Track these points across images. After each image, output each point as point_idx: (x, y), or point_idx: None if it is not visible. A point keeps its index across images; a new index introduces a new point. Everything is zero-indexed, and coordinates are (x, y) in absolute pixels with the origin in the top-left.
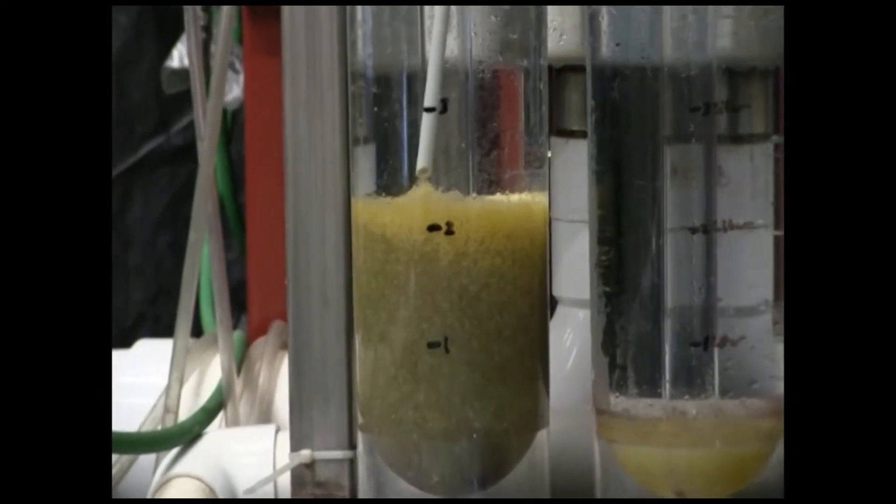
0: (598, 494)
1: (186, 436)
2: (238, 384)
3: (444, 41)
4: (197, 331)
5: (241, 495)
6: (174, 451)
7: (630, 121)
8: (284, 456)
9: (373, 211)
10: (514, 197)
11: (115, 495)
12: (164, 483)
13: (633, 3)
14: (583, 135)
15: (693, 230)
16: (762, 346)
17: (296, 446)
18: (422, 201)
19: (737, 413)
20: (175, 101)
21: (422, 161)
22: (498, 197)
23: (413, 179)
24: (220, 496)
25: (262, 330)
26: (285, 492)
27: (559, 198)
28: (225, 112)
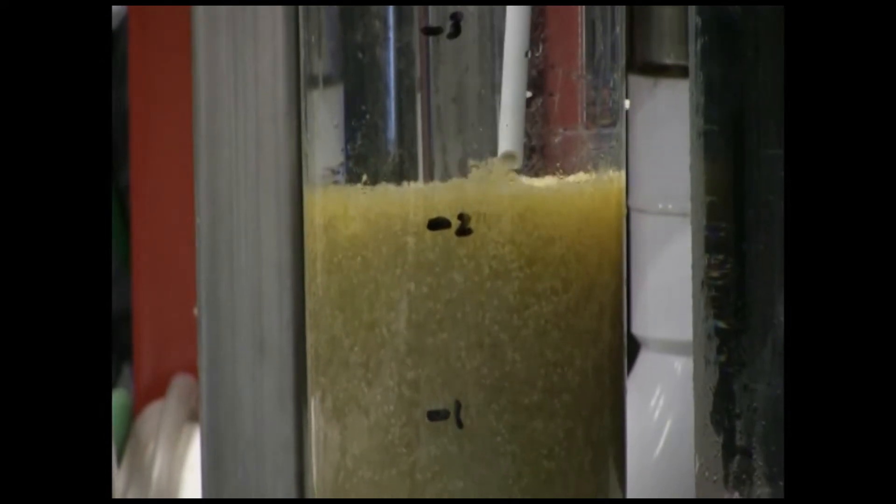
0: None
1: None
2: (118, 477)
3: None
4: None
5: None
6: None
7: (759, 51)
8: None
9: (339, 199)
10: (571, 177)
11: None
12: None
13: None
14: (681, 72)
15: None
16: None
17: None
18: (418, 183)
19: None
20: None
21: (505, 142)
22: (543, 176)
23: (401, 153)
24: None
25: (157, 389)
26: None
27: (643, 175)
28: None
